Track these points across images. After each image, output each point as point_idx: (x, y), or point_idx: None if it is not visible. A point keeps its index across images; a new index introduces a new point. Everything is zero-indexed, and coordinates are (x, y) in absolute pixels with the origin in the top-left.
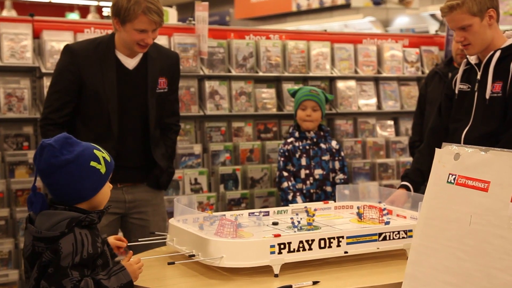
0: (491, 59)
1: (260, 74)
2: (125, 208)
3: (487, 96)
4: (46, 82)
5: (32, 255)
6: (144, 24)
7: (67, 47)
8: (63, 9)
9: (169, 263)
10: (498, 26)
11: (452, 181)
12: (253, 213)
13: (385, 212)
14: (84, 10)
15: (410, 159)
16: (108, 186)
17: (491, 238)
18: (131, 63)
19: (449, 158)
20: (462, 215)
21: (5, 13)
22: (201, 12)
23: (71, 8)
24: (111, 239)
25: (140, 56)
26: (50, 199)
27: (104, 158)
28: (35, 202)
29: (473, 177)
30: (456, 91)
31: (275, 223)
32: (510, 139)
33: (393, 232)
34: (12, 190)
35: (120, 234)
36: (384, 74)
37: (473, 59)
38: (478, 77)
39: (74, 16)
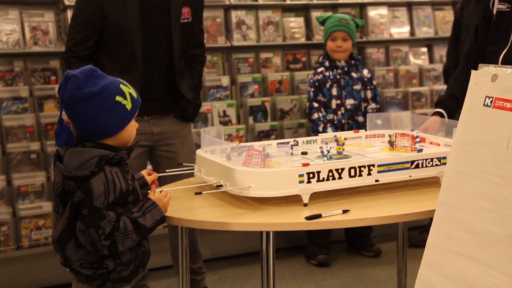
0: None
1: (288, 2)
2: (153, 140)
3: None
4: (70, 15)
5: (63, 193)
6: None
7: None
8: None
9: (196, 193)
10: None
11: (489, 104)
12: (281, 143)
13: (417, 139)
14: None
15: (445, 87)
16: (134, 124)
17: None
18: None
19: (485, 80)
20: (498, 139)
21: None
22: None
23: None
24: (145, 176)
25: None
26: (77, 135)
27: (130, 94)
28: (61, 135)
29: None
30: (494, 12)
31: (304, 153)
32: None
33: (426, 159)
34: (41, 124)
35: (149, 167)
36: None
37: None
38: None
39: None
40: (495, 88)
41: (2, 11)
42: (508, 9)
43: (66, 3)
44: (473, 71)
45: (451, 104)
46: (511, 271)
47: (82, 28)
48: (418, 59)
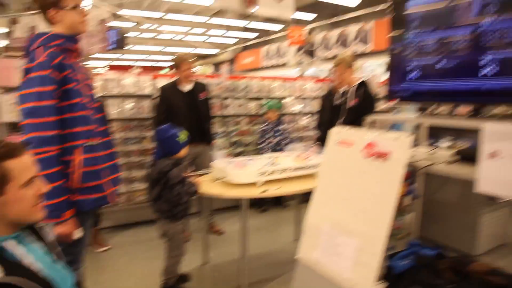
0: None
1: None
2: (193, 156)
3: None
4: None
5: (156, 180)
6: None
7: (161, 87)
8: None
9: (213, 181)
10: None
11: (337, 143)
12: (250, 159)
13: (309, 156)
14: None
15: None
16: (186, 149)
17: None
18: (186, 88)
19: (337, 132)
20: (339, 157)
21: None
22: None
23: None
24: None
25: (191, 85)
26: (162, 153)
27: (183, 136)
28: (156, 153)
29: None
30: (334, 103)
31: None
32: None
33: (313, 165)
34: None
35: (192, 167)
36: None
37: None
38: None
39: None
40: (340, 136)
41: None
42: (340, 103)
43: (155, 96)
44: (331, 131)
45: (322, 142)
46: (350, 212)
47: (160, 107)
48: (304, 121)
